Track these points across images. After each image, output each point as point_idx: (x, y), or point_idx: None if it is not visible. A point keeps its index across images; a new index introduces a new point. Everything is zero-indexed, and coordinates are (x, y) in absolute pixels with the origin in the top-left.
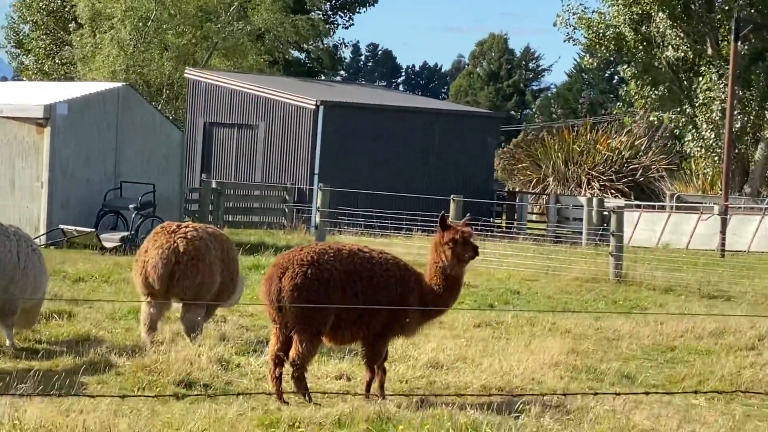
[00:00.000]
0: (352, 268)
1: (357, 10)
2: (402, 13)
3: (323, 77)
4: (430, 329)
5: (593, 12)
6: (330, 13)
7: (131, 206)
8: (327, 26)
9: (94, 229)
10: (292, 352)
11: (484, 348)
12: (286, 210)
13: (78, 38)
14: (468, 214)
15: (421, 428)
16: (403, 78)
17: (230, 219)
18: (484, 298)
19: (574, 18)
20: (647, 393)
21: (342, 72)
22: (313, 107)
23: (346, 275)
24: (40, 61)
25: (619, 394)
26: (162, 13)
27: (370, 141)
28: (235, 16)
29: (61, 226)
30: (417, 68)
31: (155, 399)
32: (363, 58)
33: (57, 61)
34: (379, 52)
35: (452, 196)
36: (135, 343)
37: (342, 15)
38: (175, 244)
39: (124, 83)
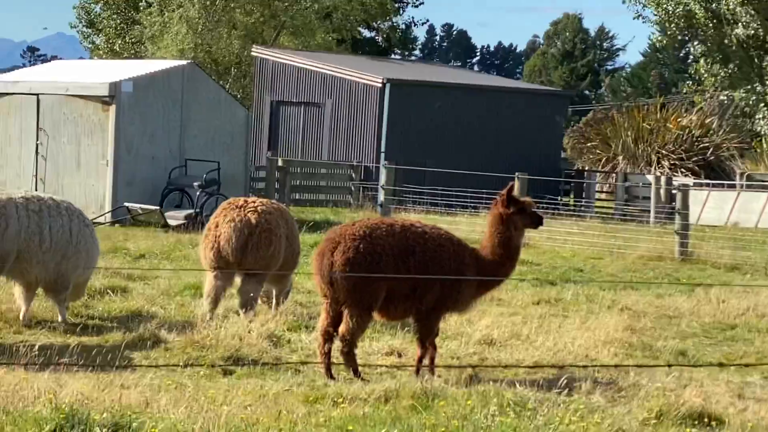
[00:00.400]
0: (404, 243)
1: None
2: None
3: (397, 56)
4: (487, 306)
5: None
6: None
7: (196, 184)
8: (396, 5)
9: (158, 207)
10: (342, 327)
11: (540, 325)
12: (353, 188)
13: (146, 17)
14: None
15: (465, 404)
16: (477, 58)
17: (296, 197)
18: (546, 275)
19: None
20: (695, 366)
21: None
22: (380, 85)
23: (398, 250)
24: (110, 41)
25: (670, 366)
26: None
27: (437, 119)
28: None
29: (126, 204)
30: (492, 48)
31: (201, 374)
32: (438, 38)
33: (127, 40)
34: (454, 33)
35: (516, 173)
36: (186, 319)
37: None
38: (247, 217)
39: (190, 61)
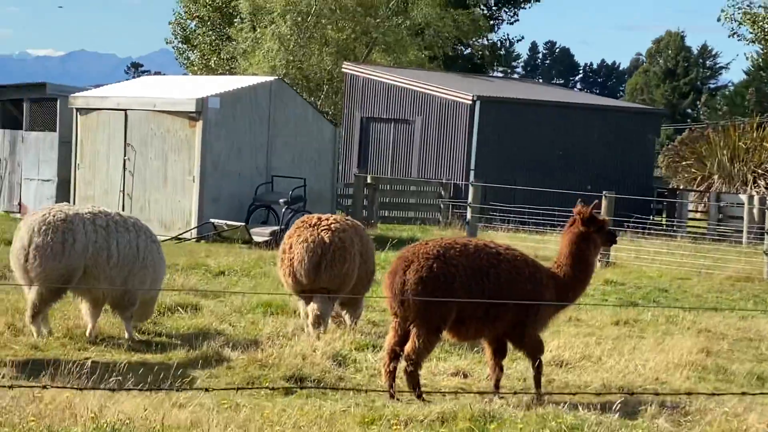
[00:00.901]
0: (478, 264)
1: (521, 6)
2: (581, 12)
3: (497, 72)
4: (563, 326)
5: (759, 7)
6: (495, 8)
7: (282, 200)
8: (491, 22)
9: (243, 223)
10: (408, 347)
11: (614, 347)
12: (442, 206)
13: (238, 33)
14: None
15: (525, 427)
16: (580, 76)
17: (385, 214)
18: (630, 295)
19: (739, 13)
20: (764, 394)
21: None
22: (470, 102)
23: (472, 271)
24: (205, 57)
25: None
26: (322, 8)
27: (527, 136)
28: (394, 10)
29: (212, 220)
30: (594, 66)
31: (261, 394)
32: (540, 55)
33: (222, 56)
34: (557, 50)
35: (604, 192)
36: (254, 337)
37: (507, 11)
38: (320, 236)
39: (277, 77)
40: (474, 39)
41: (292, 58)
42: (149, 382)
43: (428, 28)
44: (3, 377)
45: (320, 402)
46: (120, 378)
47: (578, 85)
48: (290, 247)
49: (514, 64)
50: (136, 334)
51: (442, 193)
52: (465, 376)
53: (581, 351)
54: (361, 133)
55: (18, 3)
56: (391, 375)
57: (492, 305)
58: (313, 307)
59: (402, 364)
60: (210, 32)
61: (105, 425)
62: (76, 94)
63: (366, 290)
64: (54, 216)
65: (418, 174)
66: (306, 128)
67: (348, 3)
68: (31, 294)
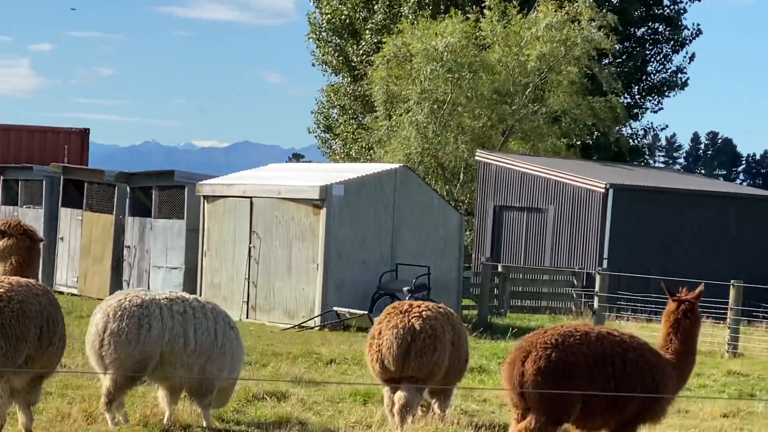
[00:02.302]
0: (600, 352)
1: (666, 95)
2: (745, 102)
3: (657, 162)
4: (670, 417)
5: None
6: (638, 96)
7: (405, 288)
8: (635, 110)
9: (367, 312)
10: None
11: None
12: (574, 295)
13: (373, 121)
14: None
15: None
16: (743, 167)
17: (517, 303)
18: (750, 387)
19: None
20: None
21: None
22: (603, 190)
23: (593, 359)
24: (347, 146)
25: None
26: (458, 96)
27: (662, 225)
28: (531, 98)
29: (335, 308)
30: (758, 156)
31: None
32: (702, 146)
33: (363, 145)
34: (719, 141)
35: (732, 281)
36: (336, 427)
37: (651, 99)
38: (411, 324)
39: (402, 164)
40: (614, 127)
41: (428, 145)
42: None
43: (565, 116)
44: None
45: None
46: None
47: (740, 176)
48: (379, 333)
49: (675, 155)
50: (215, 422)
51: (575, 282)
52: None
53: None
54: (494, 221)
55: (186, 95)
56: None
57: (617, 395)
58: (399, 395)
59: None
60: (351, 121)
61: None
62: (203, 181)
63: (458, 380)
64: (130, 301)
65: (550, 263)
66: (431, 216)
67: (484, 91)
68: (105, 381)
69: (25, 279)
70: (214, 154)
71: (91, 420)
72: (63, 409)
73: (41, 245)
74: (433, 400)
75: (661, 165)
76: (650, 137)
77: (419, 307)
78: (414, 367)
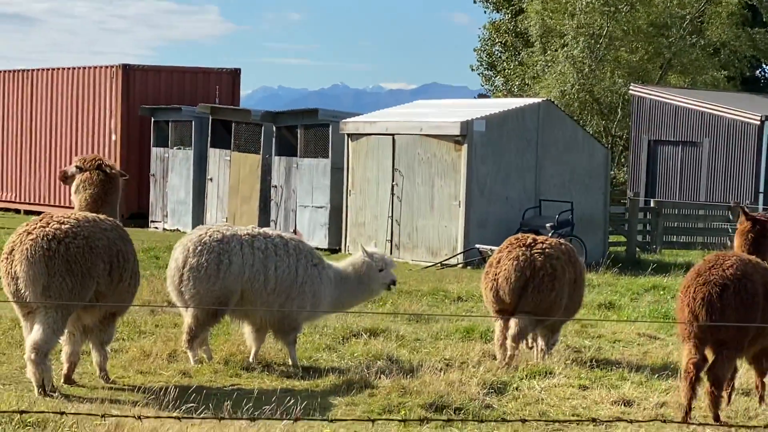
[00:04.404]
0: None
1: None
2: None
3: None
4: None
5: None
6: None
7: (548, 225)
8: None
9: None
10: (716, 369)
11: None
12: (730, 230)
13: (529, 56)
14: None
15: None
16: None
17: (671, 239)
18: None
19: None
20: None
21: None
22: (758, 122)
23: (765, 288)
24: (509, 83)
25: None
26: (614, 30)
27: None
28: (689, 30)
29: (478, 246)
30: None
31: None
32: None
33: (526, 81)
34: None
35: None
36: (426, 364)
37: None
38: (533, 257)
39: (545, 99)
40: None
41: (583, 81)
42: (266, 412)
43: (724, 48)
44: (137, 405)
45: (454, 431)
46: (229, 405)
47: None
48: (498, 262)
49: None
50: (303, 360)
51: (731, 216)
52: (627, 404)
53: None
54: (648, 156)
55: (372, 38)
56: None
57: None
58: (514, 322)
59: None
60: (513, 57)
61: None
62: (347, 119)
63: (572, 317)
64: (210, 236)
65: (706, 197)
66: (576, 151)
67: (641, 23)
68: (186, 317)
69: (94, 214)
70: (403, 96)
71: (173, 358)
72: (146, 347)
73: (121, 181)
74: (540, 335)
75: None
76: None
77: (543, 242)
78: (530, 303)
